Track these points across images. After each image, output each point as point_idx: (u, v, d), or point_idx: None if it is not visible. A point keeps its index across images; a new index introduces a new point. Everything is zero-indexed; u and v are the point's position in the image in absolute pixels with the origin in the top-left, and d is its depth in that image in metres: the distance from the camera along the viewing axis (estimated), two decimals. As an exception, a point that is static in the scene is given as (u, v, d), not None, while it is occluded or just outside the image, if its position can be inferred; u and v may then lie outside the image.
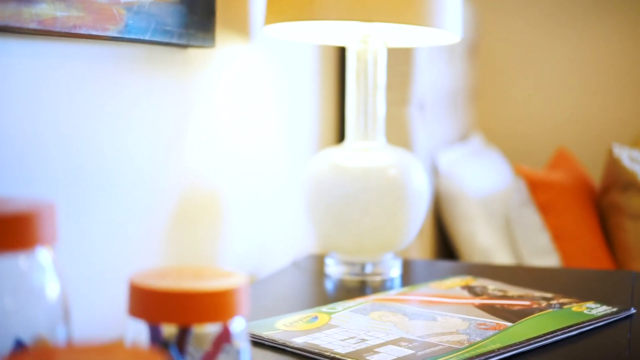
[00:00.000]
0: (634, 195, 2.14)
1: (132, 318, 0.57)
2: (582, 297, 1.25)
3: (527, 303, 1.20)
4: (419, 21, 1.29)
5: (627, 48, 2.98)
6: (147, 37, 1.09)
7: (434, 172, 2.23)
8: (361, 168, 1.38)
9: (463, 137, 2.74)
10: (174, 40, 1.16)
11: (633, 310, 1.18)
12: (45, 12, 0.89)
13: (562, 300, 1.22)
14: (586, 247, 2.12)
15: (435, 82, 2.25)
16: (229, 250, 1.42)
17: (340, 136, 1.93)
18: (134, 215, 1.14)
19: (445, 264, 1.61)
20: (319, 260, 1.56)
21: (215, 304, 0.55)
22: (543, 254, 2.13)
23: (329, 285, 1.40)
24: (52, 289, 0.60)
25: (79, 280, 1.02)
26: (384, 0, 1.27)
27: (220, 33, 1.34)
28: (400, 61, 1.99)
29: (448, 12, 1.33)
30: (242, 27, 1.43)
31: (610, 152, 2.19)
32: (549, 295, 1.25)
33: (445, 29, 1.33)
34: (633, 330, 1.11)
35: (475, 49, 2.91)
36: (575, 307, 1.18)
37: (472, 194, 2.23)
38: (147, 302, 0.55)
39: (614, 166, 2.18)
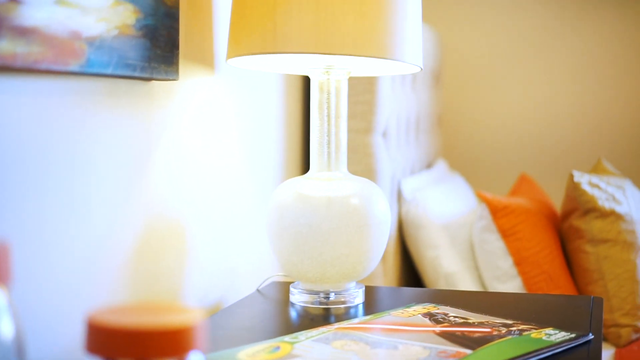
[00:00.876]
0: (594, 219, 2.17)
1: (89, 355, 0.58)
2: (542, 323, 1.28)
3: (488, 330, 1.22)
4: (381, 54, 1.31)
5: (586, 76, 3.03)
6: (109, 72, 1.10)
7: (399, 198, 2.25)
8: (324, 197, 1.39)
9: (428, 164, 2.77)
10: (137, 74, 1.17)
11: (591, 336, 1.20)
12: (5, 49, 0.90)
13: (521, 327, 1.24)
14: (548, 272, 2.15)
15: (399, 109, 2.28)
16: (194, 280, 1.43)
17: (307, 165, 1.95)
18: (96, 249, 1.14)
19: (409, 291, 1.63)
20: (283, 288, 1.57)
21: (171, 340, 0.57)
22: (506, 279, 2.16)
23: (292, 313, 1.41)
24: (6, 329, 0.60)
25: (37, 317, 1.02)
26: (345, 34, 1.29)
27: (184, 66, 1.36)
28: (363, 90, 2.01)
29: (409, 44, 1.35)
30: (206, 60, 1.45)
31: (570, 178, 2.23)
32: (509, 321, 1.27)
33: (406, 61, 1.35)
34: (591, 356, 1.13)
35: (439, 76, 2.95)
36: (534, 334, 1.20)
37: (437, 220, 2.26)
38: (103, 339, 0.57)
39: (574, 192, 2.21)
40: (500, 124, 3.11)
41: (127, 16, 1.14)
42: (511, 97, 3.09)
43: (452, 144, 3.16)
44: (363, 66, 1.53)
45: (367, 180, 1.47)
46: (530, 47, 3.07)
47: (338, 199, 1.39)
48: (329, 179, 1.43)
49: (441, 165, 2.83)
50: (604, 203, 2.19)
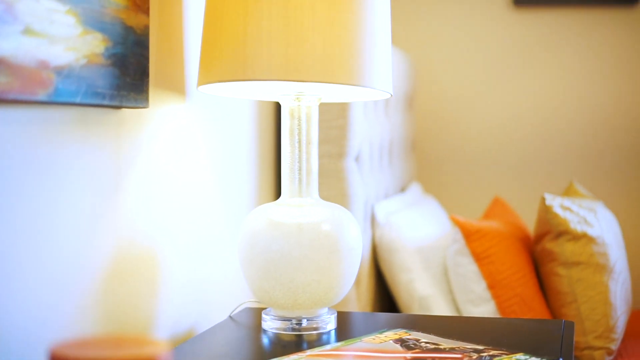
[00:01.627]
0: (566, 242, 2.18)
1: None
2: (514, 348, 1.28)
3: (458, 356, 1.22)
4: (350, 81, 1.32)
5: (558, 99, 3.06)
6: (78, 100, 1.10)
7: (372, 222, 2.26)
8: (295, 224, 1.40)
9: (401, 187, 2.78)
10: (106, 102, 1.17)
11: (561, 361, 1.21)
12: (-27, 80, 0.90)
13: (492, 352, 1.24)
14: (521, 295, 2.16)
15: (372, 134, 2.29)
16: (165, 307, 1.42)
17: (280, 191, 1.95)
18: (64, 278, 1.14)
19: (382, 316, 1.63)
20: (256, 315, 1.57)
21: (134, 375, 0.57)
22: (479, 302, 2.17)
23: (265, 340, 1.41)
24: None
25: (5, 348, 1.01)
26: (315, 61, 1.29)
27: (154, 93, 1.36)
28: (336, 115, 2.02)
29: (378, 71, 1.36)
30: (177, 87, 1.45)
31: (542, 201, 2.24)
32: (480, 347, 1.28)
33: (376, 88, 1.36)
34: (560, 380, 1.14)
35: (412, 99, 2.97)
36: (505, 359, 1.20)
37: (410, 243, 2.26)
38: (67, 374, 0.56)
39: (546, 215, 2.23)
40: (474, 146, 3.13)
41: (96, 45, 1.14)
42: (484, 120, 3.11)
43: (426, 167, 3.17)
44: (334, 92, 1.53)
45: (338, 206, 1.48)
46: (502, 70, 3.09)
47: (309, 225, 1.40)
48: (300, 205, 1.44)
49: (415, 189, 2.84)
50: (576, 226, 2.20)
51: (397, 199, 2.51)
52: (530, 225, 2.63)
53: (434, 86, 3.14)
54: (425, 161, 3.18)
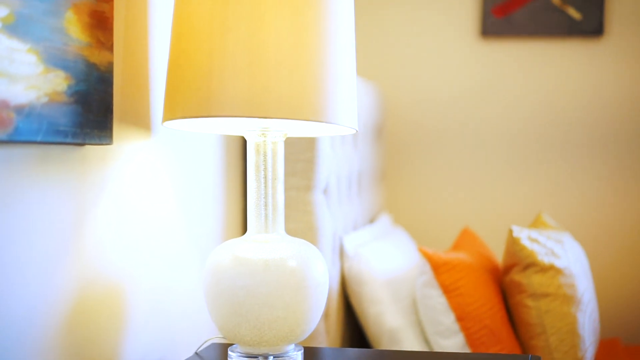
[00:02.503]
0: (534, 274, 2.19)
1: None
2: (479, 385, 1.28)
3: (424, 393, 1.21)
4: (315, 117, 1.32)
5: (525, 129, 3.08)
6: (39, 139, 1.09)
7: (341, 255, 2.25)
8: (261, 260, 1.39)
9: (371, 219, 2.78)
10: (69, 140, 1.16)
11: (526, 397, 1.21)
12: None
13: (458, 389, 1.23)
14: (490, 327, 2.16)
15: (340, 166, 2.29)
16: (131, 343, 1.41)
17: (247, 226, 1.94)
18: (28, 316, 1.12)
19: (349, 352, 1.62)
20: (222, 351, 1.55)
21: None
22: (448, 334, 2.16)
23: (230, 378, 1.40)
24: None
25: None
26: (280, 97, 1.29)
27: (118, 129, 1.35)
28: (303, 148, 2.02)
29: (344, 107, 1.36)
30: (142, 122, 1.44)
31: (510, 233, 2.25)
32: (446, 383, 1.27)
33: (341, 124, 1.36)
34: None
35: (381, 130, 2.98)
36: (470, 396, 1.20)
37: (379, 275, 2.26)
38: None
39: (514, 247, 2.23)
40: (444, 176, 3.14)
41: (58, 83, 1.13)
42: (454, 150, 3.13)
43: (395, 198, 3.18)
44: (300, 127, 1.53)
45: (304, 241, 1.47)
46: (470, 100, 3.11)
47: (275, 261, 1.39)
48: (266, 241, 1.43)
49: (384, 220, 2.84)
50: (543, 257, 2.21)
51: (366, 230, 2.51)
52: (500, 255, 2.63)
53: (403, 116, 3.16)
54: (395, 191, 3.18)
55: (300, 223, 2.03)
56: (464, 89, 3.12)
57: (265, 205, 1.45)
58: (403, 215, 3.16)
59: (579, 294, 2.22)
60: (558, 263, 2.21)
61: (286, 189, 2.02)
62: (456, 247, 2.51)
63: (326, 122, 1.33)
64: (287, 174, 2.02)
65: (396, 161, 3.18)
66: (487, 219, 3.09)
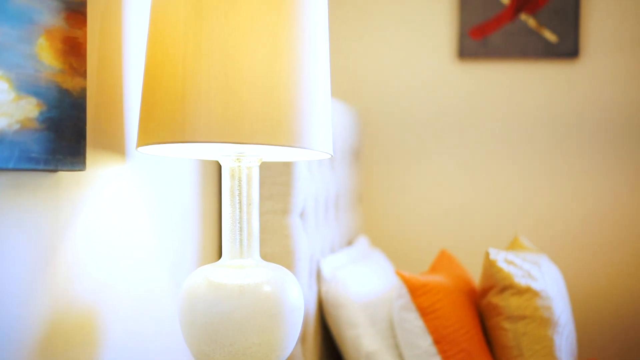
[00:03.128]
0: (511, 296, 2.19)
1: None
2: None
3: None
4: (291, 143, 1.32)
5: (503, 152, 3.09)
6: (10, 166, 1.08)
7: (318, 278, 2.25)
8: (236, 286, 1.38)
9: (348, 241, 2.78)
10: (41, 167, 1.16)
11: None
12: None
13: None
14: (467, 349, 2.16)
15: (317, 189, 2.29)
16: (102, 373, 1.40)
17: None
18: (2, 342, 1.11)
19: (325, 376, 1.61)
20: (197, 377, 1.54)
21: None
22: (425, 357, 2.16)
23: (205, 405, 1.39)
24: None
25: None
26: (254, 123, 1.29)
27: (92, 155, 1.35)
28: (280, 172, 2.02)
29: (319, 132, 1.37)
30: (116, 148, 1.44)
31: (487, 256, 2.26)
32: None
33: (316, 149, 1.36)
34: None
35: (358, 152, 2.98)
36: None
37: (356, 298, 2.25)
38: None
39: (490, 269, 2.24)
40: (422, 199, 3.14)
41: (30, 110, 1.12)
42: (431, 172, 3.13)
43: (373, 220, 3.18)
44: (275, 152, 1.53)
45: (280, 266, 1.47)
46: (447, 122, 3.12)
47: (250, 287, 1.38)
48: (241, 266, 1.43)
49: (362, 242, 2.83)
50: (520, 280, 2.21)
51: (343, 253, 2.51)
52: (477, 277, 2.64)
53: (381, 138, 3.16)
54: (373, 214, 3.18)
55: (277, 247, 2.02)
56: (441, 110, 3.13)
57: (240, 230, 1.44)
58: (381, 238, 3.16)
59: (555, 316, 2.22)
60: (535, 285, 2.21)
61: (263, 213, 2.02)
62: (434, 269, 2.51)
63: (301, 148, 1.33)
64: (264, 197, 2.01)
65: (374, 183, 3.18)
66: (464, 241, 3.09)
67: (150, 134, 1.33)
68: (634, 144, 2.99)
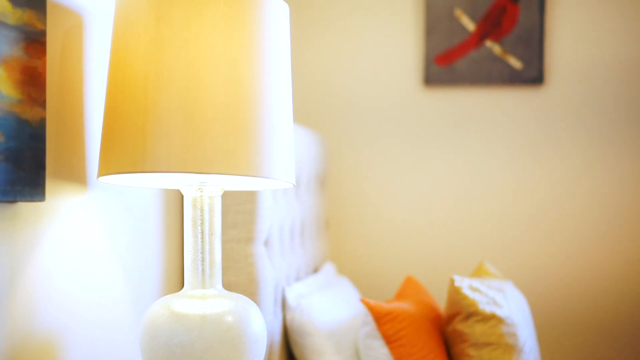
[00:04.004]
0: (476, 323, 2.20)
1: None
2: None
3: None
4: (252, 172, 1.32)
5: (468, 178, 3.10)
6: (-34, 199, 1.07)
7: (283, 306, 2.24)
8: (198, 316, 1.37)
9: (314, 268, 2.77)
10: (-1, 198, 1.14)
11: None
12: None
13: None
14: (433, 377, 2.16)
15: (282, 216, 2.28)
16: (62, 406, 1.38)
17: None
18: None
19: (289, 407, 1.60)
20: (159, 409, 1.52)
21: None
22: (392, 386, 2.15)
23: None
24: None
25: None
26: (216, 153, 1.29)
27: (52, 185, 1.33)
28: (244, 200, 2.01)
29: (280, 162, 1.36)
30: (77, 178, 1.43)
31: (451, 283, 2.26)
32: None
33: (277, 178, 1.36)
34: None
35: (324, 179, 2.98)
36: None
37: (322, 326, 2.25)
38: None
39: (455, 296, 2.24)
40: (388, 225, 3.15)
41: (-13, 141, 1.11)
42: (397, 198, 3.14)
43: (340, 247, 3.18)
44: (237, 181, 1.53)
45: (242, 296, 1.46)
46: (413, 149, 3.13)
47: (212, 317, 1.38)
48: (203, 296, 1.42)
49: (328, 269, 2.83)
50: (485, 307, 2.22)
51: (309, 280, 2.50)
52: (444, 304, 2.64)
53: (347, 164, 3.17)
54: (340, 240, 3.18)
55: (241, 275, 2.02)
56: (407, 137, 3.14)
57: (203, 260, 1.43)
58: (348, 264, 3.16)
59: (520, 343, 2.23)
60: (499, 312, 2.22)
61: (227, 241, 2.01)
62: (399, 296, 2.51)
63: (262, 177, 1.33)
64: (228, 225, 2.01)
65: (340, 209, 3.18)
66: (431, 267, 3.10)
67: (112, 164, 1.32)
68: (597, 168, 3.02)
